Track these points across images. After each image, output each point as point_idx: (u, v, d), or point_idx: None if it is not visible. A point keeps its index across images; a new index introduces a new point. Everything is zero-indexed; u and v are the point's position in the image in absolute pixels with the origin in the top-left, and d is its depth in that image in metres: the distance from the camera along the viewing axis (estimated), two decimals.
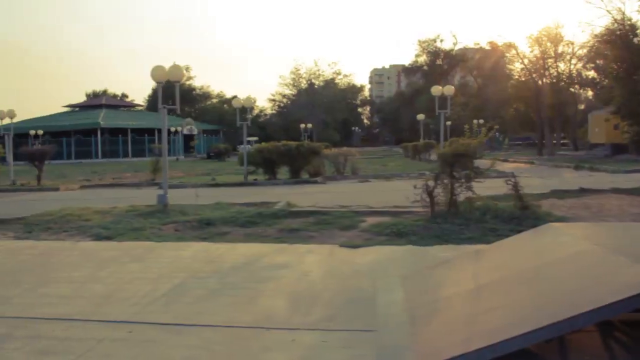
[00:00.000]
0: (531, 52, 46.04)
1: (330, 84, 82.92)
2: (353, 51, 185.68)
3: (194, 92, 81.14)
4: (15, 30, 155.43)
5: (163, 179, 13.52)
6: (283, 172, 22.12)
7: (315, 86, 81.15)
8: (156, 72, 13.04)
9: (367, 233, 8.97)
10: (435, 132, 50.59)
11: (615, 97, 35.12)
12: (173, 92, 12.98)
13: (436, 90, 23.64)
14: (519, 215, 9.40)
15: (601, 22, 59.15)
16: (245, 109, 24.14)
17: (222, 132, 72.28)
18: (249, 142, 24.33)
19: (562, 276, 4.58)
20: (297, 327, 4.67)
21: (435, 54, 71.69)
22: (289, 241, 8.54)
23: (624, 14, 34.43)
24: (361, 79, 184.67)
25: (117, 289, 6.05)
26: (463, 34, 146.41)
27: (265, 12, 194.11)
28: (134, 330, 4.71)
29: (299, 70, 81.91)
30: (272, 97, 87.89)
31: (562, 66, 46.78)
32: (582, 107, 55.97)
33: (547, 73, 45.16)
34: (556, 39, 45.00)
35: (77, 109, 73.61)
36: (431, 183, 9.82)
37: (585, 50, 44.68)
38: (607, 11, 35.02)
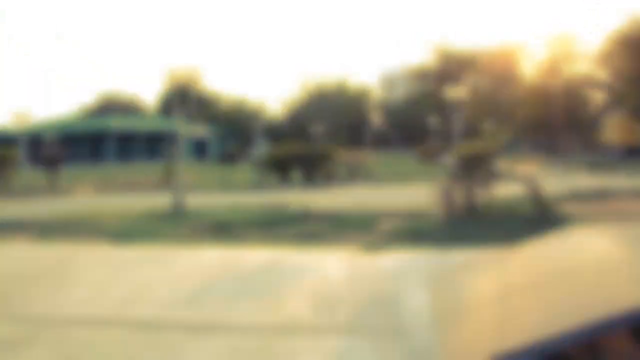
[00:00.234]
0: (543, 53, 45.91)
1: (340, 87, 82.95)
2: (363, 54, 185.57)
3: (206, 96, 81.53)
4: (30, 30, 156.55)
5: (178, 182, 13.52)
6: (296, 175, 22.10)
7: (325, 90, 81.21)
8: (171, 75, 13.03)
9: (386, 236, 8.90)
10: (446, 135, 50.58)
11: (629, 98, 34.89)
12: (187, 95, 12.98)
13: (450, 92, 23.48)
14: (539, 218, 9.30)
15: (615, 24, 58.81)
16: (257, 113, 24.15)
17: (233, 136, 72.50)
18: (258, 146, 24.36)
19: (595, 279, 4.49)
20: (324, 331, 4.60)
21: (445, 56, 71.55)
22: (307, 244, 8.48)
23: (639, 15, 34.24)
24: (371, 82, 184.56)
25: (139, 291, 6.01)
26: (474, 36, 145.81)
27: (275, 16, 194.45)
28: (161, 332, 4.66)
29: (310, 73, 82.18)
30: (284, 101, 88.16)
31: (574, 68, 46.58)
32: (594, 109, 55.64)
33: (559, 75, 44.96)
34: (569, 41, 44.80)
35: (89, 112, 74.16)
36: (449, 185, 9.75)
37: (598, 52, 44.46)
38: (621, 12, 34.82)
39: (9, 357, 4.25)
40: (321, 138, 49.60)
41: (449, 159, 16.36)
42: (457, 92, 21.84)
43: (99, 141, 56.38)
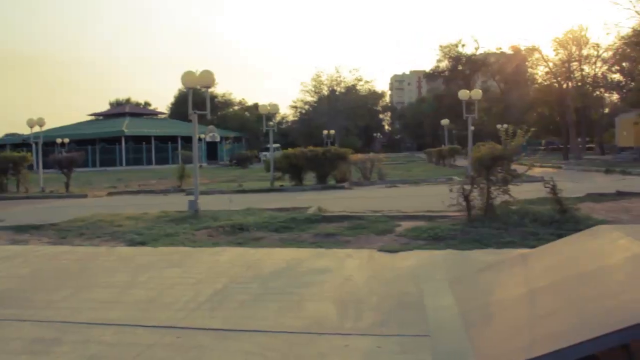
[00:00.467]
0: (555, 55, 45.59)
1: (351, 90, 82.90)
2: (373, 57, 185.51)
3: (215, 100, 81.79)
4: (40, 41, 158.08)
5: (194, 185, 13.51)
6: (309, 178, 22.05)
7: (337, 93, 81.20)
8: (186, 77, 13.06)
9: (404, 237, 8.84)
10: (458, 137, 50.33)
11: None
12: (200, 99, 13.02)
13: (463, 94, 23.39)
14: (559, 219, 9.19)
15: (628, 24, 58.31)
16: (269, 116, 24.19)
17: (244, 139, 72.61)
18: (271, 149, 24.38)
19: (622, 280, 4.41)
20: (349, 332, 4.56)
21: (456, 59, 71.27)
22: (325, 246, 8.44)
23: None
24: (382, 85, 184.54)
25: (159, 294, 6.00)
26: (485, 38, 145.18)
27: (286, 20, 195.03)
28: (183, 336, 4.64)
29: (320, 77, 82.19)
30: (294, 104, 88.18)
31: (587, 69, 46.22)
32: (607, 110, 55.15)
33: (571, 76, 44.62)
34: (581, 42, 44.47)
35: (101, 117, 74.67)
36: (467, 187, 9.67)
37: (611, 53, 44.06)
38: (636, 12, 34.53)
39: None
40: (332, 141, 49.53)
41: (468, 161, 16.21)
42: (473, 94, 21.62)
43: (111, 145, 56.67)
